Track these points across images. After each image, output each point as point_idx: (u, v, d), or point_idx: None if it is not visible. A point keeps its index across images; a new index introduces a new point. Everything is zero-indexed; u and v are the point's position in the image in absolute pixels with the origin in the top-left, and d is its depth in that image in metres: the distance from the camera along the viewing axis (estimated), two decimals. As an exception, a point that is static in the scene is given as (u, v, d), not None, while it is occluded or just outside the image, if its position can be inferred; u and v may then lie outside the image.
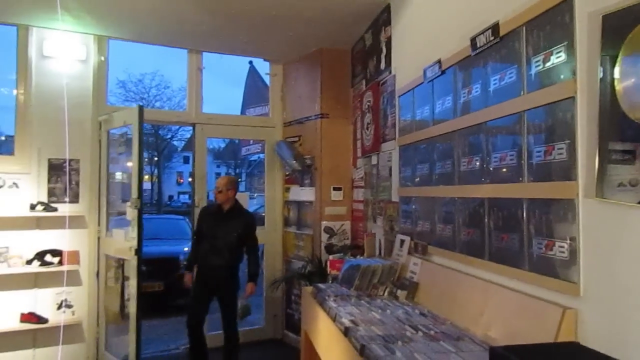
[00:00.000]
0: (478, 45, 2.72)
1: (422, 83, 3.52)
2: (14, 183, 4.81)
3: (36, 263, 4.73)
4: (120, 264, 5.25)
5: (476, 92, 2.79)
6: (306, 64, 5.89)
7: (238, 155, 32.18)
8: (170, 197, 41.47)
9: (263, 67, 6.50)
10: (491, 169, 2.60)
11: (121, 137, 5.41)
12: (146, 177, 33.31)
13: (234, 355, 4.75)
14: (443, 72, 3.21)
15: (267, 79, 6.54)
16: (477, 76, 2.78)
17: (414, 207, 3.73)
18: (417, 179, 3.63)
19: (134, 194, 4.59)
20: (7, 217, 4.68)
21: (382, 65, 4.61)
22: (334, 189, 5.56)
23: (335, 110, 5.61)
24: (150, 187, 32.06)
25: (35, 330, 4.76)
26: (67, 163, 4.97)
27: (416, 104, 3.68)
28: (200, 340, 4.70)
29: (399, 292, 3.44)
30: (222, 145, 36.73)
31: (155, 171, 31.58)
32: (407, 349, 2.28)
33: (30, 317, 4.71)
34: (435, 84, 3.34)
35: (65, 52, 5.03)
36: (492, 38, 2.58)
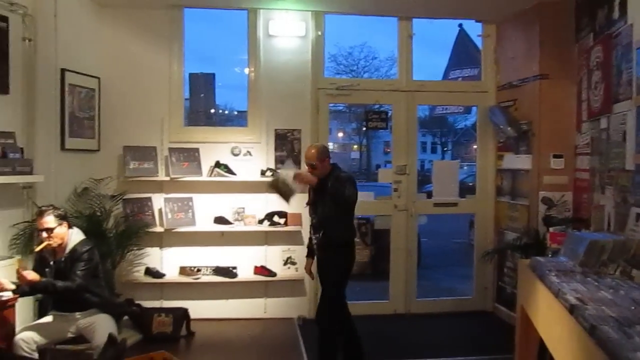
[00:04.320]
0: None
1: (670, 31, 3.02)
2: (248, 151, 5.53)
3: (266, 223, 5.39)
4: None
5: None
6: (522, 21, 5.45)
7: (444, 123, 31.51)
8: (378, 166, 42.74)
9: (472, 29, 6.23)
10: None
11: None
12: (355, 146, 34.73)
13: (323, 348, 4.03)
14: (700, 15, 2.70)
15: (478, 41, 6.25)
16: None
17: (655, 176, 3.26)
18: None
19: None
20: (243, 181, 5.39)
21: (615, 15, 4.07)
22: (554, 156, 5.10)
23: (556, 69, 5.09)
24: (359, 157, 33.36)
25: (267, 282, 5.44)
26: (281, 133, 5.45)
27: (661, 56, 3.18)
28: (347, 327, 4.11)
29: (635, 272, 3.05)
30: (427, 113, 36.36)
31: (364, 141, 32.69)
32: (647, 335, 2.01)
33: (262, 270, 5.40)
34: (689, 30, 2.83)
35: (287, 30, 5.49)
36: None
